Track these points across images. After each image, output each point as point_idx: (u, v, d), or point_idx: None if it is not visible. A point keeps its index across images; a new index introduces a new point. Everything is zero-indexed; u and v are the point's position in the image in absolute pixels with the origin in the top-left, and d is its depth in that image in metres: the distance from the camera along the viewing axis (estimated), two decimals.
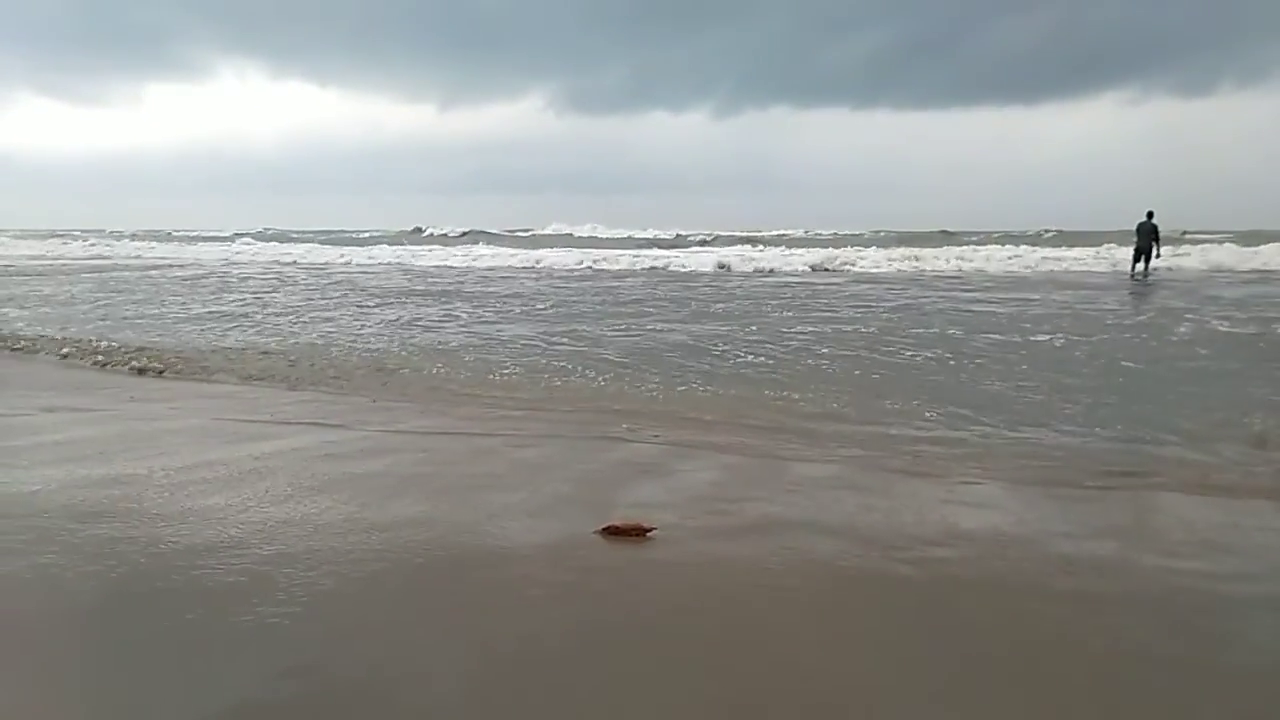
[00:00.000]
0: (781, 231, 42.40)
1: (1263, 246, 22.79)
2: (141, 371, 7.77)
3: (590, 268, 24.46)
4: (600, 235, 41.33)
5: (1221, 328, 10.08)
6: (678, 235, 39.12)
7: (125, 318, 12.13)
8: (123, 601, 2.79)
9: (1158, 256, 19.78)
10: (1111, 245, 22.89)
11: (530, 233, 44.73)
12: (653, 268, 23.84)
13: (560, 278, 21.09)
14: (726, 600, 2.86)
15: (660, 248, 31.45)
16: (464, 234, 44.28)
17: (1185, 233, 31.87)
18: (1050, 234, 35.18)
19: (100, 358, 8.38)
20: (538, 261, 26.30)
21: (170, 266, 24.90)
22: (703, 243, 35.18)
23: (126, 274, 21.51)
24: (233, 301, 14.25)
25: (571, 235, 41.48)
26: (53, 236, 42.87)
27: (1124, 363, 7.93)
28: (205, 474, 4.15)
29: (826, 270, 22.58)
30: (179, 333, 10.45)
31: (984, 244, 27.83)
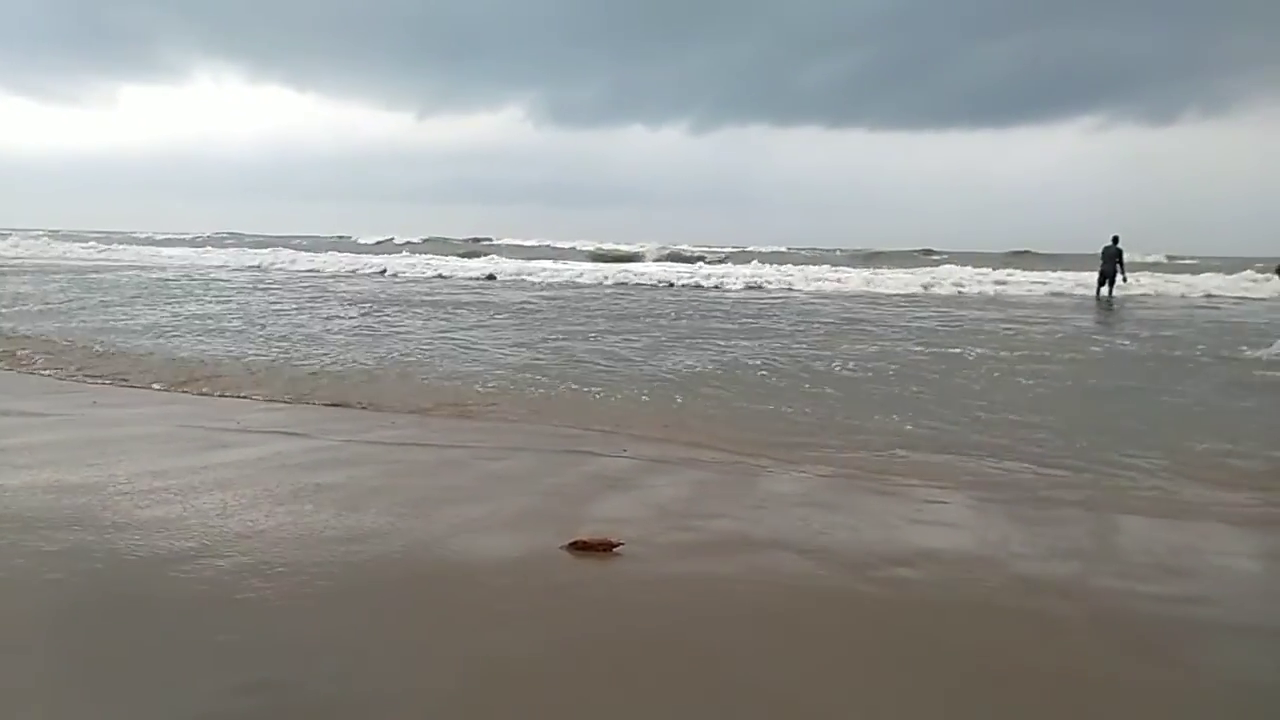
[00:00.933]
0: (755, 247, 42.54)
1: (1198, 275, 23.62)
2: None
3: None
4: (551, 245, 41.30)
5: (1163, 351, 10.37)
6: (660, 247, 39.07)
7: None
8: (78, 613, 2.74)
9: (1123, 281, 19.90)
10: (1070, 270, 23.32)
11: (490, 242, 44.35)
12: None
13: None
14: (693, 618, 2.86)
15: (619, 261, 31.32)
16: (381, 241, 43.55)
17: (1172, 258, 32.57)
18: (1018, 254, 35.76)
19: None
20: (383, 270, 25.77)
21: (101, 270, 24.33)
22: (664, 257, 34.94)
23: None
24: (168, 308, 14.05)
25: (522, 245, 41.32)
26: None
27: (1075, 384, 8.07)
28: (167, 483, 4.09)
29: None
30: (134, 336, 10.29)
31: (960, 264, 28.15)
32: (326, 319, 12.54)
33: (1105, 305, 18.91)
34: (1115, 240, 19.55)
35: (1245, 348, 10.32)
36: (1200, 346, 10.69)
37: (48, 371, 7.84)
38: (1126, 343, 11.13)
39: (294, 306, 14.46)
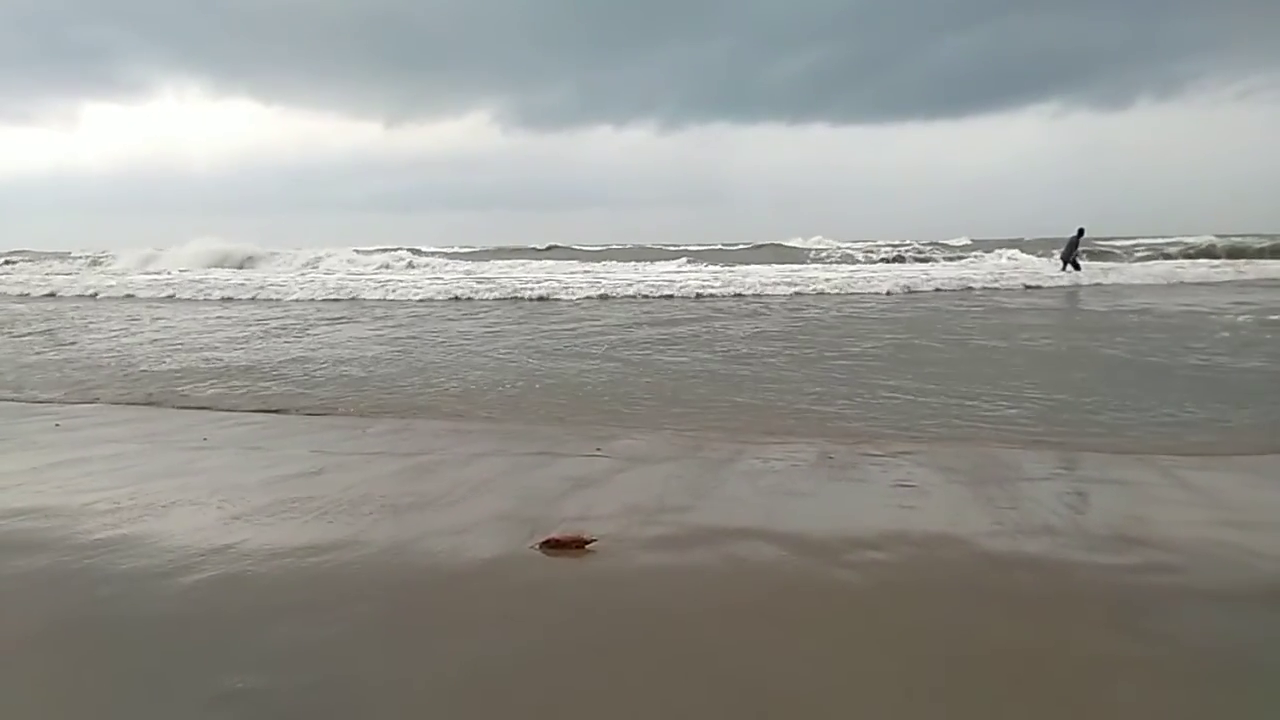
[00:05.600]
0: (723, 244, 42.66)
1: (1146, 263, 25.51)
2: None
3: None
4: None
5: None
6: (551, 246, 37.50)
7: None
8: (49, 633, 2.72)
9: (1076, 267, 23.09)
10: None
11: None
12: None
13: None
14: (668, 610, 2.88)
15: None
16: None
17: (1222, 235, 32.33)
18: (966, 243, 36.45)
19: None
20: None
21: None
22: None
23: None
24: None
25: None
26: None
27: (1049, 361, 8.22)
28: (136, 501, 4.05)
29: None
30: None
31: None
32: None
33: (1068, 276, 22.26)
34: (1080, 232, 23.34)
35: None
36: None
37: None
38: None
39: None
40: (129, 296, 20.19)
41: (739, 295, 18.29)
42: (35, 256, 41.21)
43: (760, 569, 3.23)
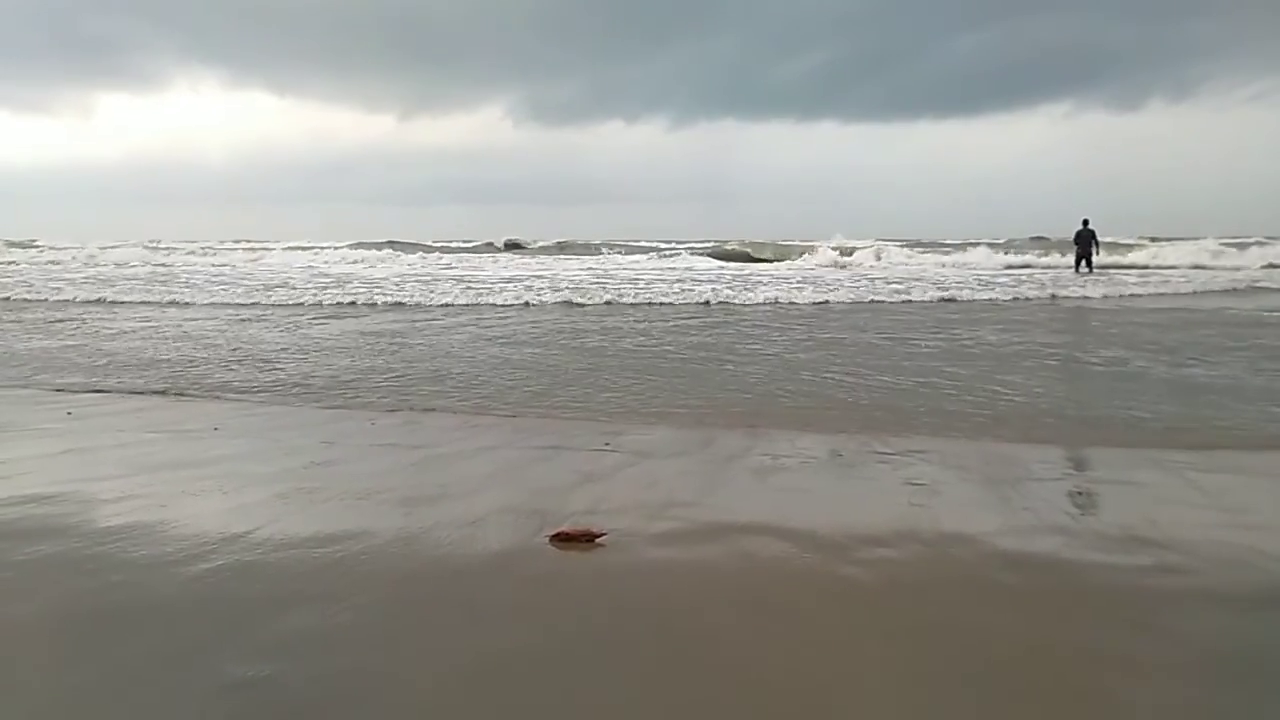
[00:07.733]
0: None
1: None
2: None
3: None
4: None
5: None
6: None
7: None
8: (58, 621, 2.73)
9: (1089, 267, 22.15)
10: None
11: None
12: None
13: None
14: (677, 604, 2.88)
15: None
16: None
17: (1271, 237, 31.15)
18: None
19: None
20: None
21: None
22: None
23: None
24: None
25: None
26: None
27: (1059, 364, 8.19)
28: (146, 490, 4.07)
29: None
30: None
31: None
32: None
33: (1087, 275, 21.36)
34: (1085, 223, 21.96)
35: None
36: None
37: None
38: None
39: None
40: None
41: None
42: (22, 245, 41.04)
43: (769, 564, 3.23)
